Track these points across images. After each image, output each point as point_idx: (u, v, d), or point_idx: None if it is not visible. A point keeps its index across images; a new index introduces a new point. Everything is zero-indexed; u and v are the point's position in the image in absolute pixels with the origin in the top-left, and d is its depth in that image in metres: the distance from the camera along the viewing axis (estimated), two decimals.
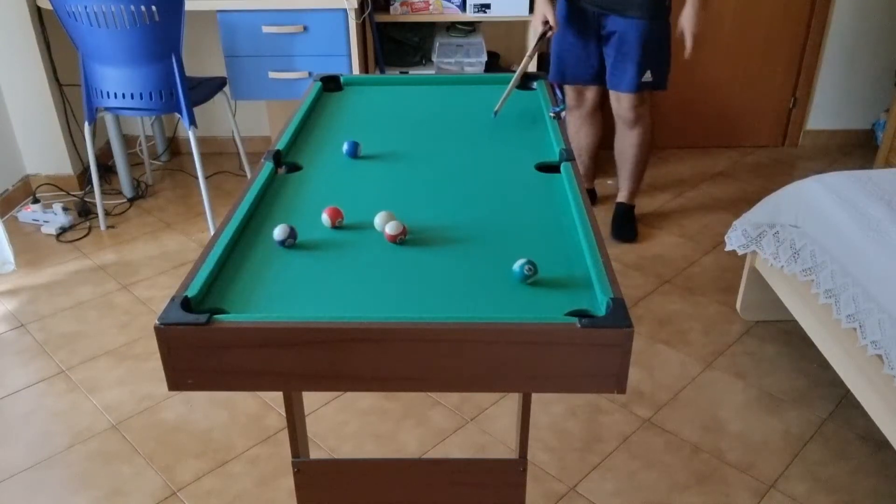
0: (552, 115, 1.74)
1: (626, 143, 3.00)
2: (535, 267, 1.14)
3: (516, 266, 1.14)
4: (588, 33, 2.83)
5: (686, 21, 2.71)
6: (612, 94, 2.91)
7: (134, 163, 3.61)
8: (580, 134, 3.15)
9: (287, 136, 1.64)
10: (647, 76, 2.78)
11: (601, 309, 1.04)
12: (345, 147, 1.61)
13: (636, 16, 2.68)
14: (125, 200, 3.42)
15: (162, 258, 2.98)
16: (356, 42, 3.06)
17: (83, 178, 3.47)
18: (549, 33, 2.70)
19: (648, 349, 2.42)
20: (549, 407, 2.17)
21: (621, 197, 3.18)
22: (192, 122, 2.93)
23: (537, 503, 1.86)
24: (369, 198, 1.42)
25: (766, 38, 3.73)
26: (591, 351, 1.01)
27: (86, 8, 2.66)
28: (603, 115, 3.12)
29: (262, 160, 1.53)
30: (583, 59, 2.89)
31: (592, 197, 3.39)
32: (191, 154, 3.10)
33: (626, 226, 3.12)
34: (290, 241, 1.25)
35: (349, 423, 2.12)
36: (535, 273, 1.14)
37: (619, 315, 1.02)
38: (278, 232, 1.25)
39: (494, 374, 1.03)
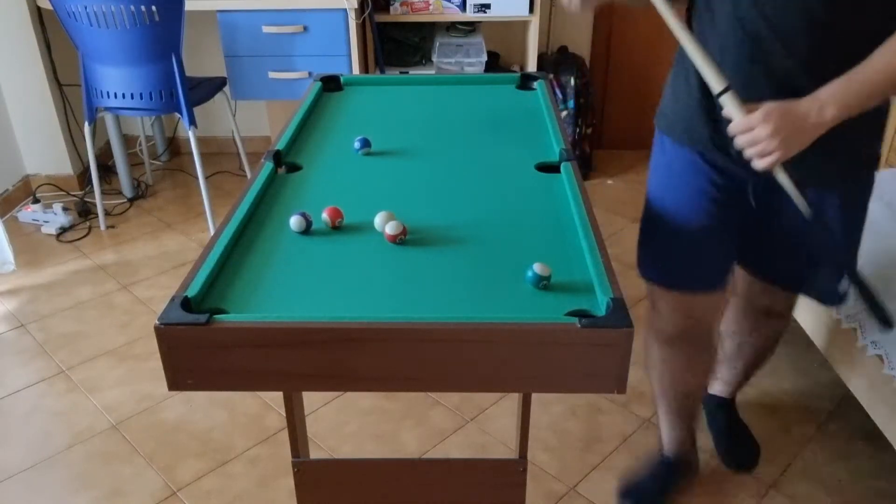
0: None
1: (765, 339, 1.93)
2: (549, 280, 1.13)
3: (530, 273, 1.13)
4: (729, 212, 1.52)
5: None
6: (782, 296, 1.75)
7: (134, 163, 3.60)
8: (687, 374, 1.79)
9: (287, 136, 1.64)
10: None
11: (601, 309, 1.04)
12: (356, 144, 1.61)
13: (849, 179, 1.47)
14: (125, 200, 3.42)
15: (162, 258, 2.98)
16: (356, 42, 3.06)
17: (83, 178, 3.47)
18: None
19: None
20: (549, 407, 2.17)
21: (724, 391, 2.07)
22: (192, 122, 2.93)
23: (537, 503, 1.86)
24: (369, 198, 1.42)
25: None
26: (591, 351, 1.01)
27: (86, 8, 2.66)
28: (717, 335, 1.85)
29: (262, 160, 1.53)
30: (712, 251, 1.58)
31: (687, 468, 1.92)
32: (191, 154, 3.10)
33: (746, 438, 2.04)
34: (308, 223, 1.30)
35: (349, 423, 2.12)
36: (548, 284, 1.13)
37: (619, 315, 1.01)
38: (295, 224, 1.29)
39: (494, 374, 1.03)
